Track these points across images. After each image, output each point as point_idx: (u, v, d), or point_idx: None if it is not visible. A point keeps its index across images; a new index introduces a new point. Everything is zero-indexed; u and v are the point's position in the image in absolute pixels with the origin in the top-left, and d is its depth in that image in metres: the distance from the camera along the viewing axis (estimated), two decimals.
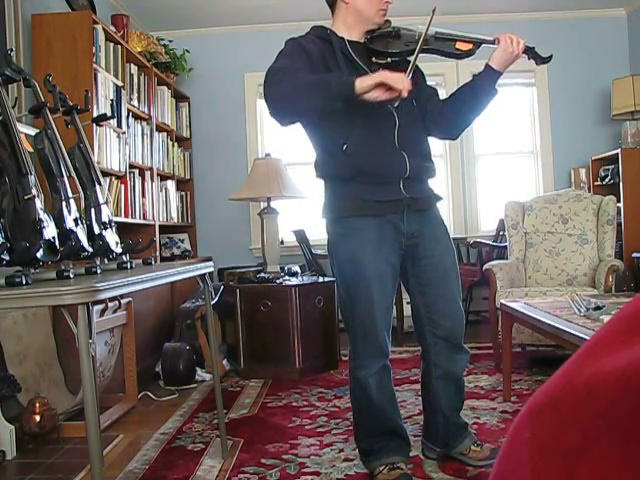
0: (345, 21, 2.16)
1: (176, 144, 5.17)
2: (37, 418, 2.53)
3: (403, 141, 2.11)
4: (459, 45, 2.13)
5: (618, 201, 4.16)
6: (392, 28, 2.15)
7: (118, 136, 3.91)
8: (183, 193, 5.34)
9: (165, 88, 4.95)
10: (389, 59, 2.13)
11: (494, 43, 2.11)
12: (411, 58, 2.03)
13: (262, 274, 4.06)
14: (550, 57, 2.13)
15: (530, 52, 2.14)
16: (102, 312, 2.96)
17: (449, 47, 2.14)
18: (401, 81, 1.86)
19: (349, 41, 2.13)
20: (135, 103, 4.31)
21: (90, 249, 1.82)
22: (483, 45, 2.15)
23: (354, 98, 1.86)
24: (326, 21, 2.23)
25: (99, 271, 1.77)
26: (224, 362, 4.01)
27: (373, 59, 2.14)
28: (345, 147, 2.06)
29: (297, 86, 1.91)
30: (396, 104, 1.98)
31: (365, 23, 2.15)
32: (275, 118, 1.97)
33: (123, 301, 3.16)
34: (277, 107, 1.94)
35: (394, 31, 2.15)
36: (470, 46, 2.13)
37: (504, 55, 2.07)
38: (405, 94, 1.87)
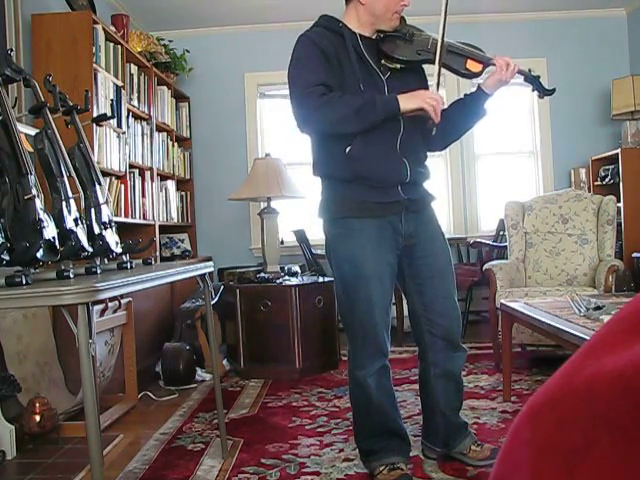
0: (359, 19, 2.14)
1: (176, 144, 5.16)
2: (37, 418, 2.53)
3: (405, 148, 2.11)
4: (469, 65, 2.15)
5: (618, 201, 4.16)
6: (405, 31, 2.14)
7: (118, 136, 3.91)
8: (183, 193, 5.34)
9: (165, 88, 4.95)
10: (398, 65, 2.13)
11: (493, 65, 2.16)
12: (434, 69, 2.09)
13: (262, 274, 4.06)
14: (554, 90, 2.22)
15: (534, 84, 2.18)
16: (102, 312, 2.96)
17: (459, 64, 2.15)
18: (438, 106, 1.99)
19: (361, 36, 2.13)
20: (135, 103, 4.30)
21: (90, 249, 1.82)
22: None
23: (397, 115, 2.03)
24: None
25: (99, 271, 1.77)
26: (224, 362, 4.01)
27: (382, 61, 2.13)
28: (348, 150, 2.06)
29: (345, 115, 2.00)
30: (434, 131, 2.07)
31: (379, 25, 2.15)
32: (306, 132, 2.10)
33: (123, 301, 3.16)
34: (320, 131, 2.08)
35: (407, 34, 2.14)
36: (480, 68, 2.16)
37: (495, 81, 2.15)
38: (438, 120, 2.01)
